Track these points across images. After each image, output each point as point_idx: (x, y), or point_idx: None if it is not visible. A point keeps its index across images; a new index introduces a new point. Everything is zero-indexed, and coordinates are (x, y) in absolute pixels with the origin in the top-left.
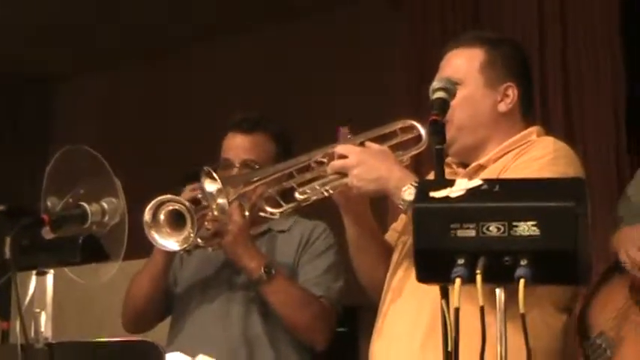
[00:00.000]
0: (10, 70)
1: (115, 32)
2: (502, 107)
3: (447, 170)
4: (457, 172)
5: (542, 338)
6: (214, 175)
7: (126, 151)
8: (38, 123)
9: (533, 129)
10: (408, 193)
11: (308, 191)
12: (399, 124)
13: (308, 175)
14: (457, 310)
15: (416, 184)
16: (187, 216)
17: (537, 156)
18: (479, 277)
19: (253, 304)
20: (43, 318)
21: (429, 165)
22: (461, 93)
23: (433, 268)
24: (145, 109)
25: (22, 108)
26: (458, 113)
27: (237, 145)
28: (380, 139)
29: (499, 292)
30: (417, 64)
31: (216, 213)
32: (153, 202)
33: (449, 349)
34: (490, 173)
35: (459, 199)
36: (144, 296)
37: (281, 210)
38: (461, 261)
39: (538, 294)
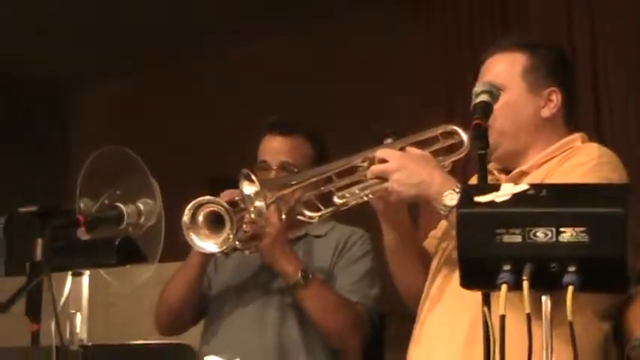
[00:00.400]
0: (27, 71)
1: (133, 34)
2: (545, 112)
3: (488, 177)
4: (499, 179)
5: (584, 347)
6: (253, 177)
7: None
8: (55, 125)
9: (577, 135)
10: (450, 198)
11: (347, 195)
12: (440, 129)
13: (347, 180)
14: (503, 317)
15: (458, 190)
16: (226, 218)
17: (581, 162)
18: (525, 284)
19: (289, 309)
20: (79, 319)
21: (465, 171)
22: (503, 98)
23: (478, 273)
24: (163, 111)
25: (39, 110)
26: (500, 119)
27: (275, 148)
28: (421, 145)
29: (545, 299)
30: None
31: (253, 216)
32: (192, 203)
33: (493, 356)
34: (533, 179)
35: (504, 203)
36: (179, 299)
37: (319, 214)
38: (507, 267)
39: (580, 301)
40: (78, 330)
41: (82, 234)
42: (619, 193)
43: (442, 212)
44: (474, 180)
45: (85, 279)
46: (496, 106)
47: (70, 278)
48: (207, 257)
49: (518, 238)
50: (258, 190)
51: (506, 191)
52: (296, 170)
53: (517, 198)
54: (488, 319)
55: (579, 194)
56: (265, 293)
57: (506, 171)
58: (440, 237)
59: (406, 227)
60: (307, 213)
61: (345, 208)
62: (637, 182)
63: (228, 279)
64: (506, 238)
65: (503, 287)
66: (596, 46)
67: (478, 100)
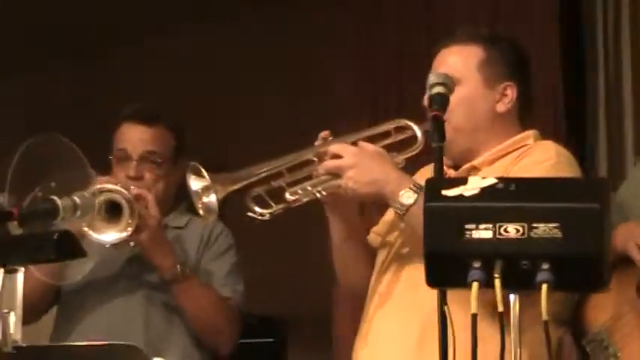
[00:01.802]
0: None
1: None
2: (500, 107)
3: None
4: (447, 174)
5: (538, 353)
6: (203, 171)
7: None
8: None
9: (530, 132)
10: (407, 196)
11: (299, 192)
12: (393, 124)
13: (298, 175)
14: (475, 316)
15: (415, 188)
16: (125, 206)
17: (540, 159)
18: (497, 282)
19: (157, 305)
20: (12, 319)
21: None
22: (459, 92)
23: (445, 271)
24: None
25: None
26: (456, 114)
27: (136, 136)
28: (373, 139)
29: (514, 299)
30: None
31: (201, 212)
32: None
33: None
34: (485, 175)
35: (473, 197)
36: (37, 286)
37: (271, 211)
38: (477, 264)
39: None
40: (12, 330)
41: (14, 228)
42: (596, 187)
43: (399, 211)
44: (420, 175)
45: (20, 276)
46: (451, 101)
47: (1, 275)
48: None
49: (489, 234)
50: (209, 185)
51: (475, 185)
52: (160, 160)
53: (486, 192)
54: (448, 316)
55: (551, 189)
56: (131, 288)
57: (456, 167)
58: (385, 232)
59: (353, 222)
60: (258, 209)
61: (297, 204)
62: None
63: (91, 272)
64: (476, 234)
65: (475, 285)
66: None
67: (434, 91)
